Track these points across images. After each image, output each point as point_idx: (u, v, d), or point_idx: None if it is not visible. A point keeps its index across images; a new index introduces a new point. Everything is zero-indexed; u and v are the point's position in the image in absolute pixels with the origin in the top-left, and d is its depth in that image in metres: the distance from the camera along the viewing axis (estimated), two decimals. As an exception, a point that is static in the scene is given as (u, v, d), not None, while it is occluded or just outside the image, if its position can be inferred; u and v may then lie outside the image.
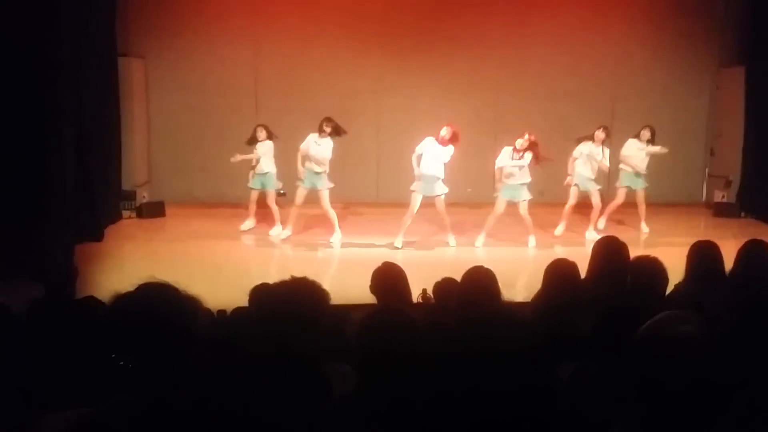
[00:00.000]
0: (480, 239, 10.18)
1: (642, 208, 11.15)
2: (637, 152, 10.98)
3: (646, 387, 1.83)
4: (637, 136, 11.02)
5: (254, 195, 10.71)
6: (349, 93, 12.66)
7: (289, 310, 2.54)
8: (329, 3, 12.49)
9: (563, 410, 2.79)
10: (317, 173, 10.12)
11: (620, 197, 11.11)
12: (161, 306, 1.77)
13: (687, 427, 1.84)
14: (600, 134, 10.60)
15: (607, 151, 10.66)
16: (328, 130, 10.10)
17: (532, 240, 10.23)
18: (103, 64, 10.81)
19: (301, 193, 10.21)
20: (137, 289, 1.82)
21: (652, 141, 10.97)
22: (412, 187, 9.90)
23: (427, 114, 11.66)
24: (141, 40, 12.23)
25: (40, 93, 8.22)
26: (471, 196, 11.44)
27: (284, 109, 12.09)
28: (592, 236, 10.32)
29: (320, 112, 10.79)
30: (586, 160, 10.64)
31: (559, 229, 10.77)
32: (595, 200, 10.74)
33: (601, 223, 11.00)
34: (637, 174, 11.02)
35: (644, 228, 11.13)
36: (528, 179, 10.03)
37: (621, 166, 11.06)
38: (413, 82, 12.75)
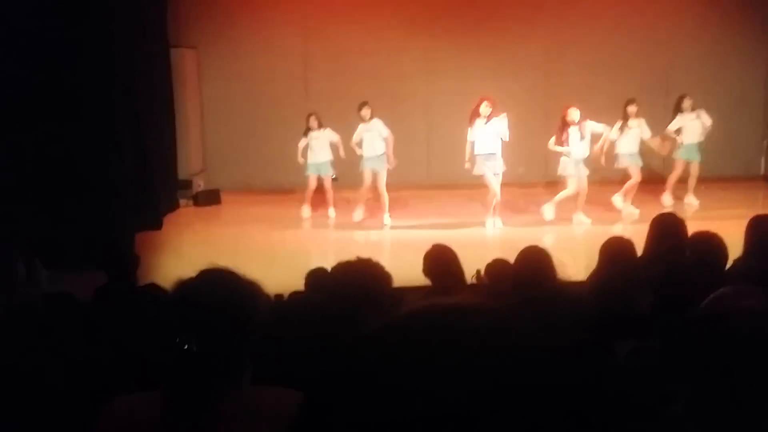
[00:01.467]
0: (550, 209, 10.16)
1: (693, 180, 11.00)
2: (690, 122, 10.79)
3: (709, 363, 1.81)
4: (680, 107, 10.81)
5: (313, 181, 10.85)
6: (398, 76, 12.65)
7: (351, 291, 2.55)
8: (376, -14, 12.48)
9: (621, 386, 2.78)
10: (379, 156, 10.31)
11: (679, 169, 10.96)
12: (222, 290, 1.81)
13: (752, 405, 1.82)
14: (632, 108, 10.47)
15: (643, 121, 10.55)
16: (369, 112, 10.31)
17: (580, 216, 10.14)
18: (156, 56, 10.99)
19: (368, 176, 10.38)
20: (198, 274, 1.87)
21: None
22: (480, 171, 9.84)
23: (477, 94, 11.58)
24: (192, 30, 12.40)
25: (96, 88, 8.42)
26: (522, 176, 11.35)
27: (334, 93, 12.14)
28: (629, 209, 10.42)
29: (370, 95, 10.84)
30: (629, 137, 10.50)
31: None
32: (636, 174, 10.57)
33: (668, 200, 10.88)
34: (695, 146, 10.84)
35: (693, 200, 10.96)
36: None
37: (680, 138, 10.84)
38: (462, 63, 12.67)
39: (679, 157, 10.90)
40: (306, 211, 10.90)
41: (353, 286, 2.57)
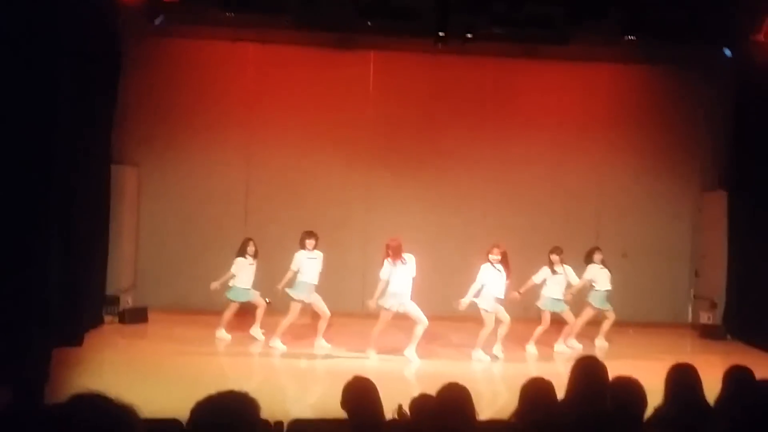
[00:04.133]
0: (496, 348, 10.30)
1: (608, 325, 11.27)
2: (600, 272, 11.10)
3: None
4: (591, 258, 11.13)
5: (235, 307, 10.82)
6: (339, 204, 12.81)
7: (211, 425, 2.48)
8: (321, 117, 12.81)
9: None
10: (314, 285, 10.30)
11: (588, 315, 11.18)
12: (92, 417, 1.75)
13: None
14: (555, 257, 10.80)
15: (569, 268, 10.86)
16: (313, 243, 10.31)
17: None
18: (97, 170, 10.94)
19: (297, 307, 10.26)
20: (69, 399, 1.81)
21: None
22: (388, 305, 9.91)
23: (416, 228, 11.77)
24: (135, 148, 12.44)
25: (31, 194, 8.27)
26: (457, 310, 11.39)
27: (273, 218, 12.20)
28: (561, 348, 10.74)
29: (309, 222, 10.91)
30: (552, 284, 10.79)
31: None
32: (569, 317, 10.84)
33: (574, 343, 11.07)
34: (606, 294, 11.15)
35: (604, 343, 11.21)
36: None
37: (595, 286, 11.12)
38: (403, 196, 12.93)
39: (595, 305, 11.14)
40: (225, 334, 10.76)
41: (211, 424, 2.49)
